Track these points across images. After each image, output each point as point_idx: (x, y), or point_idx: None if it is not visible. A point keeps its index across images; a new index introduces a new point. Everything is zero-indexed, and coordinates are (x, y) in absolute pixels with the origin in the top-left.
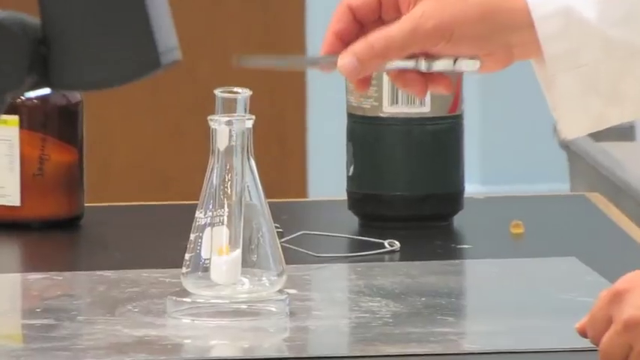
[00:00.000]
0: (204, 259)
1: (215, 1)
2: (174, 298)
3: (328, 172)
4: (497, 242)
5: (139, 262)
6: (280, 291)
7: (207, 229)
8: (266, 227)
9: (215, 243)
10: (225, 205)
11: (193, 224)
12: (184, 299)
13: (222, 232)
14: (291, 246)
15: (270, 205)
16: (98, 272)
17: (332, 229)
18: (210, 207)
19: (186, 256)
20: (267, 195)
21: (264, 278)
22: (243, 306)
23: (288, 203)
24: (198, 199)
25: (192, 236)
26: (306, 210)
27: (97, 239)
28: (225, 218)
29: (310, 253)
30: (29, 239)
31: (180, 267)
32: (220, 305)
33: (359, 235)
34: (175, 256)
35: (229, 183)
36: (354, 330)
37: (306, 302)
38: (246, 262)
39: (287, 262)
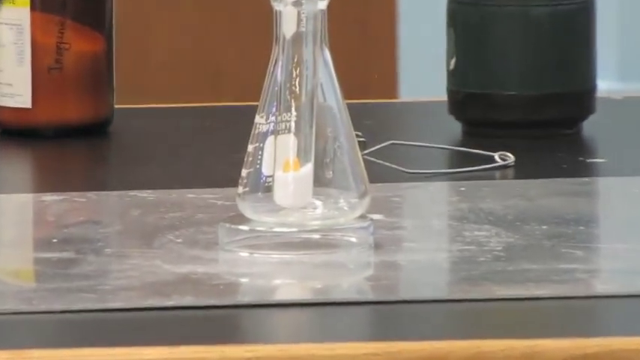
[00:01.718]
0: (266, 177)
1: None
2: (227, 225)
3: (424, 67)
4: (639, 155)
5: (183, 180)
6: (362, 217)
7: (270, 139)
8: (344, 136)
9: (280, 156)
10: (293, 108)
11: (252, 132)
12: (241, 227)
13: (289, 142)
14: (376, 160)
15: (350, 107)
16: (131, 192)
17: (428, 138)
18: (274, 110)
19: (243, 172)
20: (347, 95)
21: (341, 200)
22: (316, 235)
23: (372, 106)
24: (257, 101)
25: (250, 147)
26: (396, 114)
27: (130, 151)
28: (293, 124)
29: (400, 168)
30: (43, 150)
31: (236, 186)
32: (286, 235)
33: (462, 146)
34: (229, 173)
35: (298, 79)
36: (455, 266)
37: (395, 231)
38: (319, 180)
39: (371, 180)
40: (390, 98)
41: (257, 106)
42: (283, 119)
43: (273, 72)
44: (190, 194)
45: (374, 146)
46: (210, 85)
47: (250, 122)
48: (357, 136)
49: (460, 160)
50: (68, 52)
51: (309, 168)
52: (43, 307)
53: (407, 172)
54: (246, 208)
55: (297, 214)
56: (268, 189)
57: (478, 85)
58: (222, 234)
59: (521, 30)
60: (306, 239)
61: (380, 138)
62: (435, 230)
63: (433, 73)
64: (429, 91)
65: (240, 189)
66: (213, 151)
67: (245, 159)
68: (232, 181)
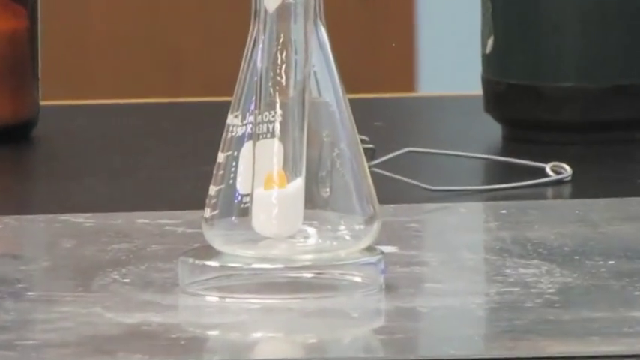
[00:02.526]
0: (242, 196)
1: None
2: (190, 260)
3: (450, 50)
4: None
5: (132, 201)
6: (370, 249)
7: (247, 145)
8: (346, 142)
9: (260, 168)
10: (277, 105)
11: (223, 137)
12: (208, 262)
13: (273, 150)
14: (388, 173)
15: (354, 103)
16: (62, 217)
17: (457, 144)
18: (252, 108)
19: (212, 189)
20: (350, 88)
21: (342, 227)
22: (308, 274)
23: (384, 102)
24: (230, 95)
25: (221, 157)
26: (415, 113)
27: (61, 161)
28: (278, 126)
29: (421, 184)
30: None
31: (201, 209)
32: (269, 273)
33: (502, 156)
34: (193, 191)
35: (283, 67)
36: (493, 315)
37: (413, 268)
38: (312, 201)
39: (381, 200)
40: (407, 92)
41: (230, 102)
42: (265, 120)
43: (250, 57)
44: (141, 219)
45: (385, 155)
46: (166, 75)
47: (221, 124)
48: (363, 141)
49: (500, 173)
50: None
51: (298, 184)
52: None
53: (429, 190)
54: (215, 237)
55: (283, 245)
56: (245, 212)
57: (523, 74)
58: (183, 272)
59: (581, 3)
60: (295, 279)
61: (394, 144)
62: (466, 267)
63: (462, 59)
64: (458, 82)
65: (208, 212)
66: (171, 163)
67: (214, 172)
68: (197, 201)
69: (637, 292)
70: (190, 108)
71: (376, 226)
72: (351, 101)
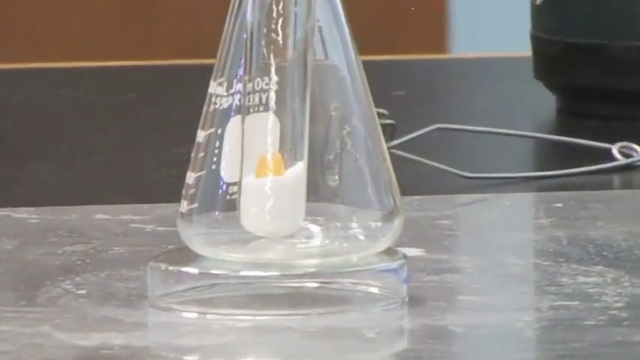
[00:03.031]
0: (228, 185)
1: None
2: (163, 266)
3: (489, 1)
4: None
5: (88, 191)
6: (389, 251)
7: (234, 121)
8: (359, 117)
9: (251, 150)
10: (273, 70)
11: (204, 110)
12: (185, 269)
13: (267, 127)
14: (413, 156)
15: (371, 67)
16: (1, 211)
17: (500, 119)
18: (240, 73)
19: (190, 177)
20: (365, 49)
21: (354, 224)
22: (311, 283)
23: (407, 65)
24: (212, 58)
25: (201, 135)
26: (446, 79)
27: None
28: (273, 97)
29: (454, 170)
30: None
31: (176, 201)
32: (262, 283)
33: (557, 134)
34: (165, 179)
35: (280, 22)
36: (546, 335)
37: (443, 276)
38: (317, 191)
39: (404, 191)
40: (436, 53)
41: (212, 66)
42: (256, 88)
43: (238, 9)
44: (100, 214)
45: (409, 133)
46: (133, 31)
47: (201, 94)
48: (381, 116)
49: (554, 156)
50: None
51: (299, 170)
52: None
53: (464, 177)
54: (194, 237)
55: (279, 247)
56: (231, 205)
57: (584, 31)
58: (153, 281)
59: None
60: (296, 290)
61: (419, 119)
62: (511, 274)
63: (506, 11)
64: (500, 41)
65: (185, 205)
66: (138, 143)
67: (192, 155)
68: (171, 192)
69: None
70: (162, 73)
71: (397, 223)
72: (366, 64)
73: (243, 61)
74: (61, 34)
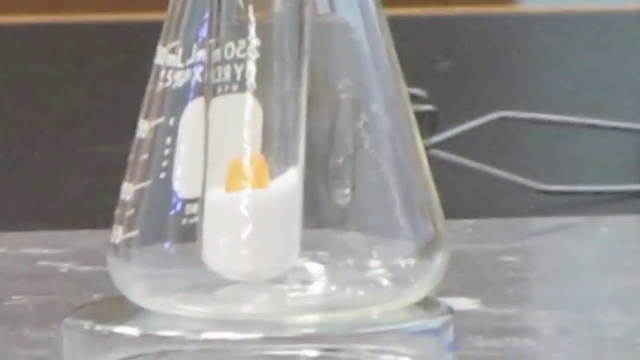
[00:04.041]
0: (183, 202)
1: None
2: (86, 325)
3: None
4: None
5: None
6: (429, 304)
7: (194, 105)
8: (383, 100)
9: (219, 149)
10: (252, 28)
11: (148, 88)
12: (118, 330)
13: (243, 115)
14: (462, 159)
15: (400, 25)
16: None
17: (590, 105)
18: (202, 34)
19: (126, 190)
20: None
21: (374, 262)
22: (309, 351)
23: (454, 23)
24: (158, 11)
25: (144, 127)
26: (511, 45)
27: None
28: (253, 69)
29: (523, 181)
30: None
31: (103, 226)
32: (236, 349)
33: None
34: (86, 192)
35: None
36: None
37: (512, 340)
38: (319, 211)
39: (451, 212)
40: (499, 4)
41: (160, 25)
42: (227, 58)
43: None
44: None
45: (457, 125)
46: None
47: (143, 65)
48: (417, 99)
49: None
50: None
51: (291, 181)
52: None
53: (539, 191)
54: (132, 281)
55: (262, 297)
56: (189, 233)
57: None
58: (72, 347)
59: None
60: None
61: (472, 105)
62: (611, 339)
63: None
64: None
65: (120, 233)
66: (47, 137)
67: (131, 157)
68: (97, 212)
69: None
70: (82, 33)
71: (439, 261)
72: (394, 21)
73: (206, 16)
74: None
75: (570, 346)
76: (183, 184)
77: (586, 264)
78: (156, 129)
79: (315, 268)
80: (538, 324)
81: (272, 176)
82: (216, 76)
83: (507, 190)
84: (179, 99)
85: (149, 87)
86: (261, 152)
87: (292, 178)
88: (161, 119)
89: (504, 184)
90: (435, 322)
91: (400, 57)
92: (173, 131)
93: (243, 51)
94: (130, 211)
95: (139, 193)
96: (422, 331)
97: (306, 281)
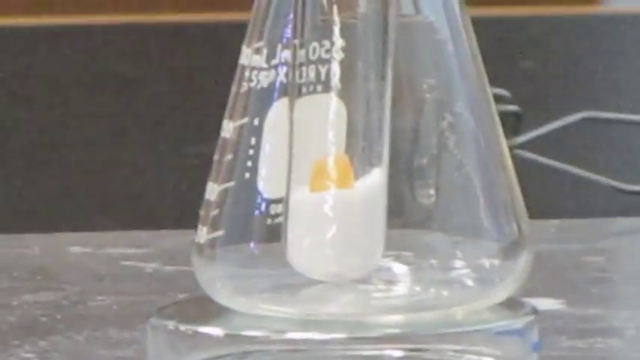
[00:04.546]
0: (268, 202)
1: None
2: (171, 325)
3: None
4: None
5: (54, 210)
6: (513, 304)
7: (279, 107)
8: (467, 100)
9: (304, 150)
10: (337, 29)
11: (233, 89)
12: (204, 330)
13: (328, 116)
14: (546, 160)
15: (484, 26)
16: None
17: None
18: (286, 34)
19: (211, 190)
20: None
21: (458, 263)
22: (394, 351)
23: (540, 23)
24: (242, 12)
25: (228, 128)
26: (596, 45)
27: None
28: (337, 70)
29: (609, 181)
30: None
31: (188, 227)
32: (321, 349)
33: None
34: (171, 193)
35: None
36: None
37: (596, 340)
38: (403, 212)
39: (536, 213)
40: (585, 4)
41: (245, 25)
42: (312, 58)
43: None
44: (76, 246)
45: (542, 126)
46: None
47: (228, 65)
48: (500, 99)
49: None
50: None
51: (376, 181)
52: None
53: (624, 192)
54: (217, 280)
55: (346, 297)
56: (274, 234)
57: None
58: (157, 347)
59: None
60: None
61: (557, 105)
62: None
63: None
64: None
65: (204, 233)
66: (130, 138)
67: (215, 157)
68: (182, 213)
69: None
70: (166, 33)
71: (523, 261)
72: (478, 22)
73: (290, 17)
74: None
75: None
76: (267, 185)
77: None
78: (240, 129)
79: (399, 269)
80: (622, 324)
81: (356, 176)
82: (301, 76)
83: (591, 190)
84: (263, 99)
85: (233, 87)
86: (346, 152)
87: (377, 178)
88: (245, 119)
89: (588, 185)
90: (519, 323)
91: (484, 57)
92: (257, 131)
93: (328, 51)
94: (215, 212)
95: (224, 193)
96: (506, 332)
97: (391, 281)
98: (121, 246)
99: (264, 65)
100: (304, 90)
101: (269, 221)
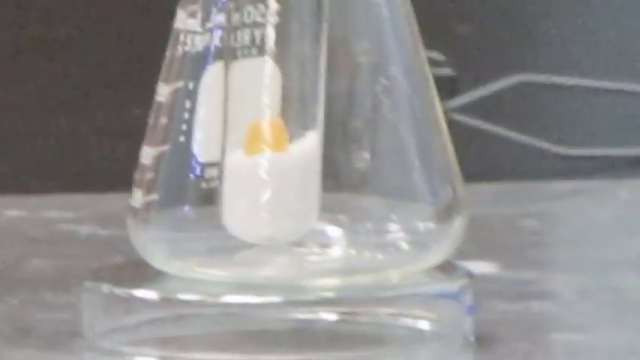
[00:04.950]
0: (203, 166)
1: None
2: (106, 289)
3: None
4: None
5: None
6: (447, 267)
7: (213, 70)
8: (402, 64)
9: (238, 113)
10: None
11: (168, 53)
12: (138, 293)
13: (262, 79)
14: (481, 123)
15: None
16: None
17: (613, 68)
18: None
19: (146, 153)
20: None
21: (393, 226)
22: (328, 315)
23: None
24: None
25: (162, 90)
26: (533, 4)
27: None
28: (272, 33)
29: (542, 144)
30: None
31: (123, 190)
32: (255, 314)
33: None
34: (105, 156)
35: None
36: None
37: (530, 303)
38: (338, 175)
39: (470, 177)
40: None
41: None
42: (247, 21)
43: None
44: (11, 209)
45: (476, 89)
46: None
47: (162, 28)
48: (434, 63)
49: None
50: None
51: (311, 144)
52: None
53: (558, 155)
54: (152, 244)
55: (281, 260)
56: (208, 197)
57: None
58: (92, 310)
59: None
60: (306, 325)
61: (492, 68)
62: (630, 302)
63: None
64: None
65: (139, 197)
66: (64, 101)
67: (150, 121)
68: (116, 176)
69: None
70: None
71: (458, 225)
72: None
73: None
74: None
75: (590, 310)
76: (202, 148)
77: (606, 227)
78: (175, 93)
79: (334, 232)
80: (557, 287)
81: (291, 140)
82: (236, 39)
83: (526, 153)
84: (198, 63)
85: (168, 51)
86: (281, 116)
87: (311, 141)
88: (180, 83)
89: (523, 148)
90: (454, 286)
91: (418, 20)
92: (192, 95)
93: (263, 15)
94: (150, 175)
95: (159, 156)
96: (441, 295)
97: (326, 245)
98: (56, 209)
99: (199, 29)
100: (239, 54)
101: (204, 185)
